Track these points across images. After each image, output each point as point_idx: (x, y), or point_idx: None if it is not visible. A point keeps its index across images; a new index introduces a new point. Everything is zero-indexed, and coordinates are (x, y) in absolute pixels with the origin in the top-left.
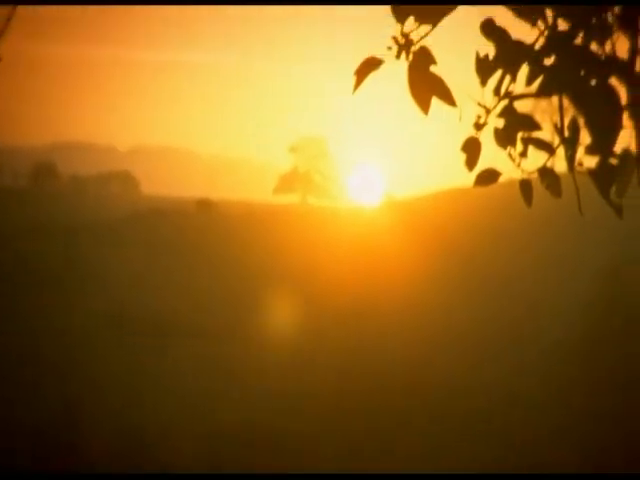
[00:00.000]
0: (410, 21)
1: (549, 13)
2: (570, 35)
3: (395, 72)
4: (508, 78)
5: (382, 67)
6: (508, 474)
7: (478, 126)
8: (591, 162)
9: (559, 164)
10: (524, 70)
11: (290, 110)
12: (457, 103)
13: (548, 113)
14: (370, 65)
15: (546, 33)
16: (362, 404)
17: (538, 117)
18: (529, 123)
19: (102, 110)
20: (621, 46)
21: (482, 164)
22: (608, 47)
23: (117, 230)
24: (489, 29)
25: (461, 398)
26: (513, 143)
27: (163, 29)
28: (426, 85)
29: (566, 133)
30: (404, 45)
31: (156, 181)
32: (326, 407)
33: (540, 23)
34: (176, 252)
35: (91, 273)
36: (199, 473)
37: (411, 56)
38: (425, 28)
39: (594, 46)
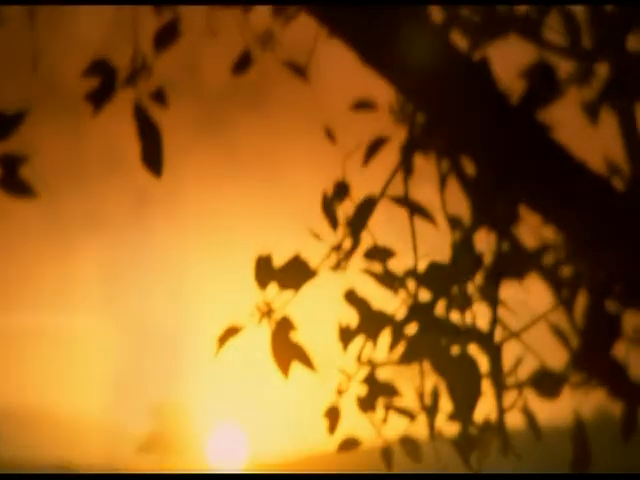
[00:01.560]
0: (273, 286)
1: (410, 284)
2: (431, 305)
3: (257, 333)
4: (370, 345)
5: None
6: (509, 474)
7: (339, 392)
8: (452, 429)
9: (421, 430)
10: (387, 336)
11: (148, 372)
12: (318, 368)
13: (410, 379)
14: (231, 332)
15: (408, 302)
16: None
17: (400, 383)
18: (390, 390)
19: None
20: (481, 315)
21: (346, 429)
22: (469, 316)
23: None
24: (351, 298)
25: None
26: (374, 409)
27: (17, 292)
28: (287, 351)
29: (427, 400)
30: (266, 313)
31: (14, 444)
32: None
33: (402, 292)
34: None
35: None
36: (199, 473)
37: (273, 323)
38: (288, 294)
39: (455, 315)
